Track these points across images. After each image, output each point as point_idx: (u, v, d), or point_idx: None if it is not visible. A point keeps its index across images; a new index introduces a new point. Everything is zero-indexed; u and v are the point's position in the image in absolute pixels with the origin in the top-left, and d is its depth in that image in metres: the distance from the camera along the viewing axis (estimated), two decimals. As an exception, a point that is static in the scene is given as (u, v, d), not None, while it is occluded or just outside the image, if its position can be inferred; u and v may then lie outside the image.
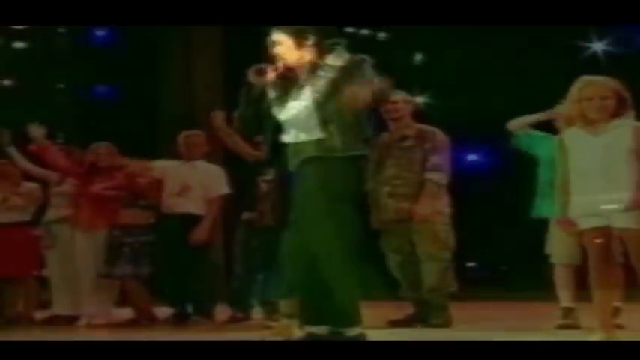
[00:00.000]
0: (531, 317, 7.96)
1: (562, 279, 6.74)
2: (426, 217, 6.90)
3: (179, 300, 8.13)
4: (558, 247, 6.67)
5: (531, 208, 6.86)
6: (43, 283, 8.92)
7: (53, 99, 15.04)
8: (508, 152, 7.54)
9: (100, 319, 8.05)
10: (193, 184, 8.13)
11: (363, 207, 5.99)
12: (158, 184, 8.17)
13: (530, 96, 7.26)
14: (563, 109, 5.33)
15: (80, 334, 7.40)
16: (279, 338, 5.75)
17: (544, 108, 6.78)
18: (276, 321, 6.73)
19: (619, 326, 5.96)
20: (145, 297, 8.11)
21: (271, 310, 7.24)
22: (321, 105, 5.10)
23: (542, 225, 6.84)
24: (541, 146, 6.68)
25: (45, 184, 8.80)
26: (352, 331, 5.10)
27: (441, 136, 7.14)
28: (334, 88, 5.08)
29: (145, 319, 7.99)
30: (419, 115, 7.48)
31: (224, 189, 8.14)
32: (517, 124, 6.91)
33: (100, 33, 15.06)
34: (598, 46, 13.42)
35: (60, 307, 8.53)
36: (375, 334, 5.37)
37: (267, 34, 5.29)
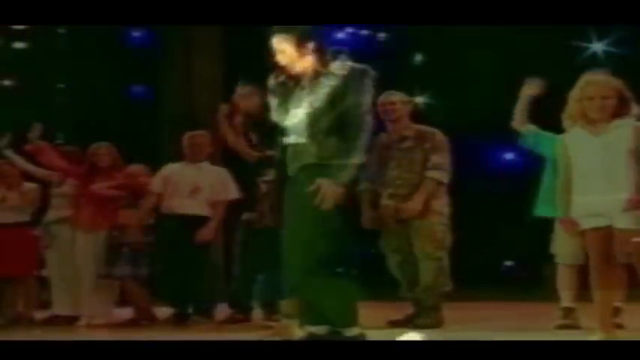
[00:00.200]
0: (531, 317, 7.96)
1: (565, 279, 6.73)
2: (417, 213, 6.89)
3: (179, 300, 8.12)
4: (562, 247, 6.66)
5: (535, 207, 6.84)
6: (43, 283, 8.93)
7: (53, 99, 15.04)
8: (508, 152, 7.53)
9: (100, 319, 8.05)
10: (203, 186, 8.15)
11: (357, 209, 5.98)
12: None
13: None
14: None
15: (80, 334, 7.40)
16: (279, 338, 5.75)
17: (544, 108, 6.76)
18: (276, 321, 6.74)
19: (619, 326, 5.96)
20: (144, 297, 8.11)
21: (271, 311, 7.25)
22: (322, 113, 5.11)
23: (545, 225, 6.82)
24: (548, 146, 6.64)
25: (45, 184, 8.80)
26: (351, 331, 5.11)
27: (440, 136, 7.15)
28: (335, 97, 5.10)
29: (144, 319, 7.99)
30: (418, 115, 7.47)
31: (234, 193, 8.14)
32: (517, 121, 6.90)
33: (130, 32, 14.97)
34: (598, 46, 13.41)
35: (60, 307, 8.52)
36: (374, 335, 5.36)
37: (267, 34, 5.28)
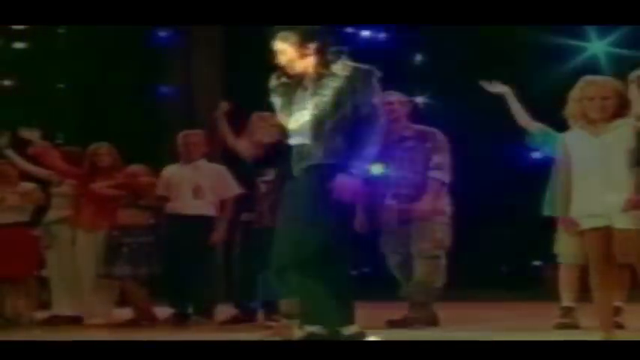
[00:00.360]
0: (531, 317, 7.96)
1: (567, 278, 6.74)
2: (428, 213, 6.90)
3: (179, 300, 8.12)
4: (564, 247, 6.66)
5: (541, 206, 6.82)
6: (43, 283, 8.92)
7: (55, 99, 15.03)
8: (508, 152, 7.53)
9: (100, 319, 8.05)
10: (203, 184, 8.15)
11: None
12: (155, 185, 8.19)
13: (530, 95, 7.23)
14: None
15: (80, 334, 7.40)
16: (279, 338, 5.75)
17: (544, 108, 6.76)
18: (276, 321, 6.74)
19: (619, 326, 5.96)
20: (143, 297, 8.11)
21: (271, 311, 7.25)
22: (327, 114, 5.12)
23: (546, 225, 6.81)
24: (554, 145, 6.62)
25: (45, 184, 8.80)
26: (349, 330, 5.11)
27: (440, 136, 7.15)
28: (341, 98, 5.11)
29: (144, 319, 7.99)
30: (417, 115, 7.47)
31: (236, 189, 8.13)
32: (520, 121, 6.90)
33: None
34: (598, 47, 13.41)
35: (60, 307, 8.52)
36: (374, 335, 5.36)
37: (267, 34, 5.29)
